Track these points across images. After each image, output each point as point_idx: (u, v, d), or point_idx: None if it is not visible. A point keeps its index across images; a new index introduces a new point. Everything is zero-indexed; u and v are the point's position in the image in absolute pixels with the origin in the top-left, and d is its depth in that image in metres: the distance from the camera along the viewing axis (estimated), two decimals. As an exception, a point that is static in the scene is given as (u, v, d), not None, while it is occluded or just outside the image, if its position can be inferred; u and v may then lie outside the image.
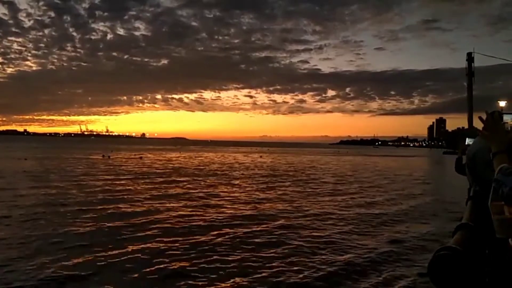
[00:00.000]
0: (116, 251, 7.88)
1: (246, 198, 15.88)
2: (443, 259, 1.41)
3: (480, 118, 1.66)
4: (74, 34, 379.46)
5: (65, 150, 62.91)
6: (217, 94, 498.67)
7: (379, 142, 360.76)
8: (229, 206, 13.82)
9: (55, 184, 18.61)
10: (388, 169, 38.38)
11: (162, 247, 8.29)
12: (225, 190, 18.57)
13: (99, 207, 12.71)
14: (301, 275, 6.80)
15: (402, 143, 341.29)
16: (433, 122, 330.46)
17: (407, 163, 53.46)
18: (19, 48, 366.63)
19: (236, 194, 17.06)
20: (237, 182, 22.33)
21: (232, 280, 6.53)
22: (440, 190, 21.99)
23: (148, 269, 6.91)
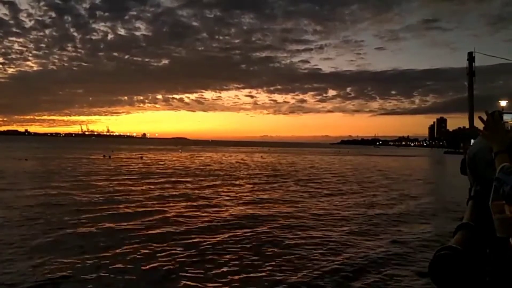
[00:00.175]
0: (116, 252, 7.88)
1: (247, 198, 15.88)
2: (444, 258, 1.41)
3: (480, 118, 1.66)
4: (75, 34, 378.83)
5: (66, 150, 62.96)
6: (218, 94, 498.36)
7: (380, 142, 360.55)
8: (230, 207, 13.83)
9: (56, 184, 18.62)
10: (389, 169, 38.36)
11: (162, 248, 8.28)
12: (226, 190, 18.57)
13: (99, 207, 12.72)
14: (301, 275, 6.80)
15: (403, 142, 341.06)
16: (434, 122, 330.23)
17: (408, 163, 53.42)
18: (20, 48, 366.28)
19: (237, 194, 17.06)
20: (238, 182, 22.34)
21: (233, 281, 6.54)
22: (441, 190, 21.98)
23: (148, 271, 6.91)
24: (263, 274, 6.83)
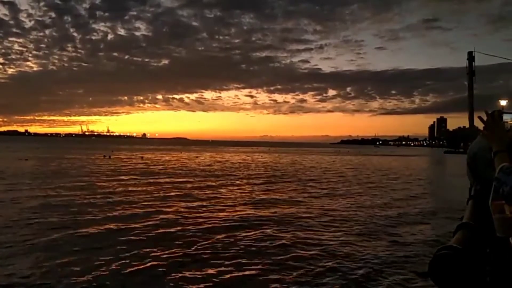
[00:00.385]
0: (114, 253, 7.87)
1: (247, 199, 15.88)
2: (444, 258, 1.41)
3: (480, 117, 1.66)
4: (75, 34, 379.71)
5: (66, 151, 62.98)
6: (218, 94, 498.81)
7: (380, 142, 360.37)
8: (231, 207, 13.83)
9: (56, 185, 18.63)
10: (389, 169, 38.35)
11: (162, 250, 8.28)
12: (227, 190, 18.57)
13: (99, 208, 12.72)
14: (301, 276, 6.80)
15: (403, 142, 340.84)
16: (434, 122, 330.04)
17: (408, 163, 53.42)
18: (20, 48, 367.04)
19: (237, 195, 17.07)
20: (239, 182, 22.34)
21: (232, 282, 6.54)
22: (441, 190, 21.99)
23: (148, 272, 6.92)
24: (262, 275, 6.84)
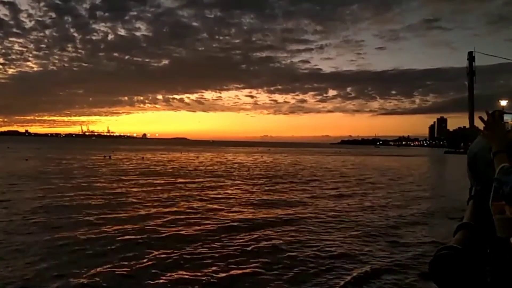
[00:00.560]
0: (113, 254, 7.87)
1: (249, 200, 15.88)
2: (444, 258, 1.41)
3: (481, 118, 1.67)
4: (75, 34, 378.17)
5: (66, 151, 63.00)
6: (218, 94, 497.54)
7: (380, 142, 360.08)
8: (232, 208, 13.82)
9: (55, 185, 18.63)
10: (389, 169, 38.34)
11: (163, 251, 8.29)
12: (228, 191, 18.57)
13: (99, 209, 12.69)
14: (300, 276, 6.81)
15: (403, 142, 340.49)
16: (434, 122, 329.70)
17: (408, 163, 53.39)
18: (20, 49, 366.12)
19: (238, 195, 17.06)
20: (239, 182, 22.34)
21: (234, 283, 6.55)
22: (442, 190, 21.97)
23: (147, 272, 6.92)
24: (262, 274, 6.84)
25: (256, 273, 6.87)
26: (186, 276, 6.65)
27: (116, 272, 6.75)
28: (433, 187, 23.68)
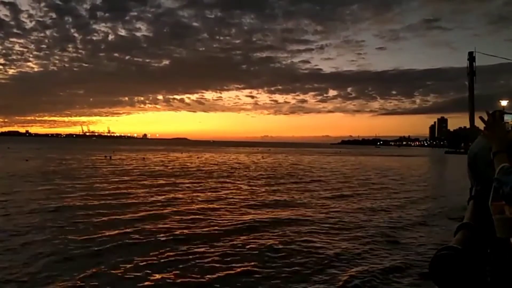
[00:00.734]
0: (112, 255, 7.88)
1: (249, 200, 15.88)
2: (445, 258, 1.41)
3: (481, 118, 1.67)
4: (76, 35, 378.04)
5: (67, 151, 63.01)
6: (219, 95, 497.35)
7: (381, 142, 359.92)
8: (232, 208, 13.82)
9: (55, 185, 18.65)
10: (390, 169, 38.33)
11: (163, 251, 8.29)
12: (228, 191, 18.57)
13: (99, 210, 12.69)
14: (300, 278, 6.80)
15: (404, 142, 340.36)
16: (435, 122, 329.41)
17: (409, 163, 53.37)
18: (21, 49, 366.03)
19: (239, 196, 17.06)
20: (240, 183, 22.34)
21: (234, 283, 6.54)
22: (442, 190, 21.96)
23: (147, 274, 6.91)
24: (262, 273, 6.84)
25: (256, 272, 6.87)
26: (188, 276, 6.65)
27: (112, 272, 6.75)
28: (434, 187, 23.67)
